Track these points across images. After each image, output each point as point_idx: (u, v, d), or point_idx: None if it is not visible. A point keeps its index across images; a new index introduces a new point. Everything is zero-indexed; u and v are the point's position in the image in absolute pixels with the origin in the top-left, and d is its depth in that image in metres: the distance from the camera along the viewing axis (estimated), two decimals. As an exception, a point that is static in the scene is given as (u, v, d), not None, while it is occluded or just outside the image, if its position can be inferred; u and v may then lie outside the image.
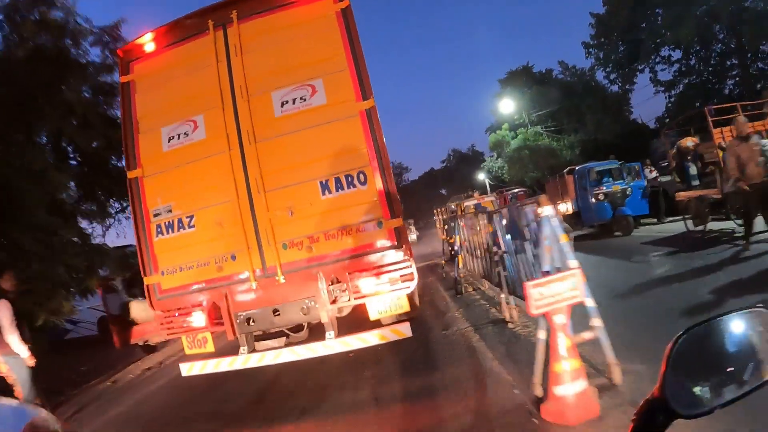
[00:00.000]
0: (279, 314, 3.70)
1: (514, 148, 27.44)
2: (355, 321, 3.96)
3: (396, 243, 3.49)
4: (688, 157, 8.77)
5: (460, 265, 7.53)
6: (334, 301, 3.72)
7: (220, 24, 4.02)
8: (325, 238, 3.56)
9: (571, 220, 11.24)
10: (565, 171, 12.87)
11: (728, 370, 0.61)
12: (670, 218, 10.30)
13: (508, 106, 28.35)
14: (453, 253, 8.52)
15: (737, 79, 21.43)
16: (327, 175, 3.57)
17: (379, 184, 3.49)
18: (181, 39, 4.17)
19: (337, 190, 3.55)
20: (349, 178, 3.55)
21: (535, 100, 28.52)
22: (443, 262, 10.17)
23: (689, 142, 8.82)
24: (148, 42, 4.26)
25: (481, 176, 39.92)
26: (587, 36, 25.07)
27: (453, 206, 14.18)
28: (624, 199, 10.61)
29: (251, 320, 3.78)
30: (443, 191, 49.33)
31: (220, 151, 3.82)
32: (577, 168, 12.38)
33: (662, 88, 23.54)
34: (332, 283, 3.66)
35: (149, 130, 4.16)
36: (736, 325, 0.63)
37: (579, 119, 26.65)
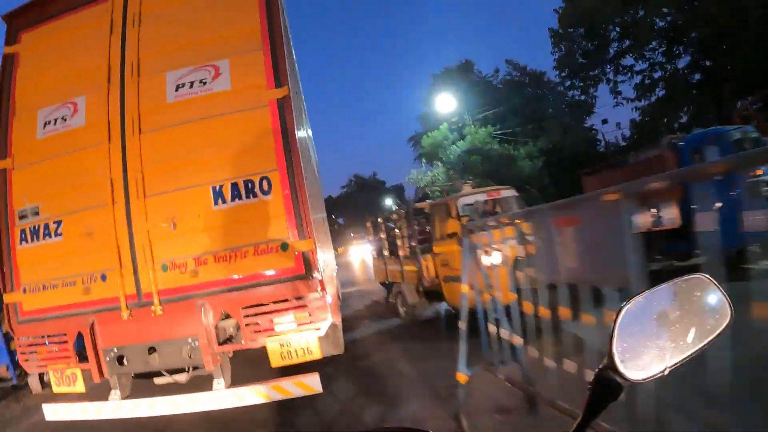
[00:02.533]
0: (156, 354, 2.89)
1: (459, 152, 21.11)
2: (259, 360, 3.15)
3: (304, 271, 2.70)
4: None
5: None
6: (224, 343, 2.92)
7: None
8: (215, 260, 2.76)
9: (669, 239, 6.06)
10: (664, 142, 7.26)
11: (672, 335, 0.62)
12: None
13: (447, 102, 21.35)
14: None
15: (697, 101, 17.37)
16: (222, 179, 2.79)
17: (286, 194, 2.71)
18: (79, 5, 3.40)
19: (233, 200, 2.77)
20: (250, 184, 2.76)
21: (479, 100, 22.02)
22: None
23: None
24: (40, 6, 3.49)
25: (389, 201, 35.82)
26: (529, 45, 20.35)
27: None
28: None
29: (123, 359, 2.96)
30: (341, 221, 42.30)
31: (99, 141, 3.03)
32: (691, 135, 7.17)
33: (624, 100, 19.07)
34: (222, 319, 2.86)
35: (25, 112, 3.37)
36: (677, 292, 0.65)
37: (538, 125, 21.63)
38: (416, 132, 32.22)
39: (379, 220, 7.84)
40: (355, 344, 5.40)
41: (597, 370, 0.59)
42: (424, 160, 23.02)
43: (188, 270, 2.77)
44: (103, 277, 2.96)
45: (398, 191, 43.56)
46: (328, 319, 2.72)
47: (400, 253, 6.40)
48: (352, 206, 42.58)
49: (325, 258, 3.72)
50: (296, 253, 2.69)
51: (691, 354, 0.61)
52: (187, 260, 2.78)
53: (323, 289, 2.70)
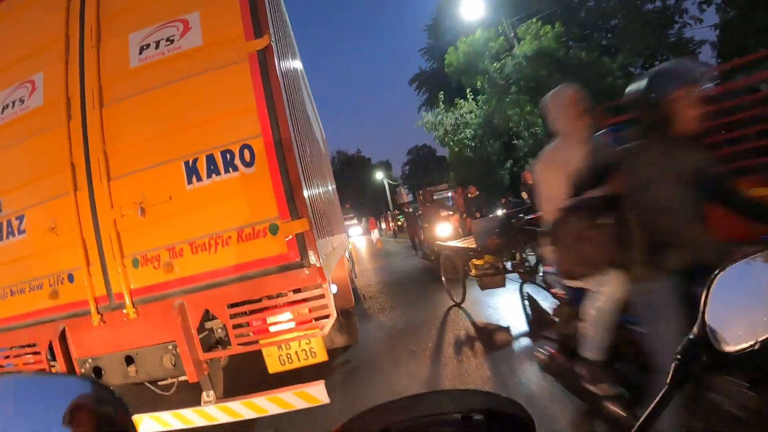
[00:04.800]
0: (134, 364, 2.46)
1: (519, 60, 13.29)
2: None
3: (299, 258, 2.20)
4: None
5: None
6: (213, 347, 2.46)
7: None
8: (192, 250, 2.29)
9: None
10: None
11: (766, 307, 0.57)
12: None
13: (474, 7, 14.12)
14: None
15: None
16: (196, 152, 2.31)
17: (272, 165, 2.22)
18: None
19: (209, 176, 2.29)
20: (228, 155, 2.28)
21: (512, 10, 14.70)
22: None
23: None
24: None
25: (379, 175, 34.90)
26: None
27: None
28: None
29: (101, 371, 2.54)
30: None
31: (58, 121, 2.61)
32: None
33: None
34: (207, 320, 2.40)
35: None
36: None
37: (610, 34, 14.16)
38: (421, 69, 26.90)
39: None
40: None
41: (686, 339, 0.55)
42: (441, 96, 16.17)
43: (162, 264, 2.32)
44: (71, 278, 2.53)
45: (386, 167, 42.67)
46: (331, 316, 2.22)
47: None
48: (337, 185, 42.51)
49: (329, 240, 3.22)
50: (288, 236, 2.20)
51: None
52: (160, 252, 2.32)
53: (323, 278, 2.19)
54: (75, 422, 0.48)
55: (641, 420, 0.51)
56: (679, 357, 0.54)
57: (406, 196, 17.91)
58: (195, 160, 2.30)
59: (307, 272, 2.19)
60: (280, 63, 2.45)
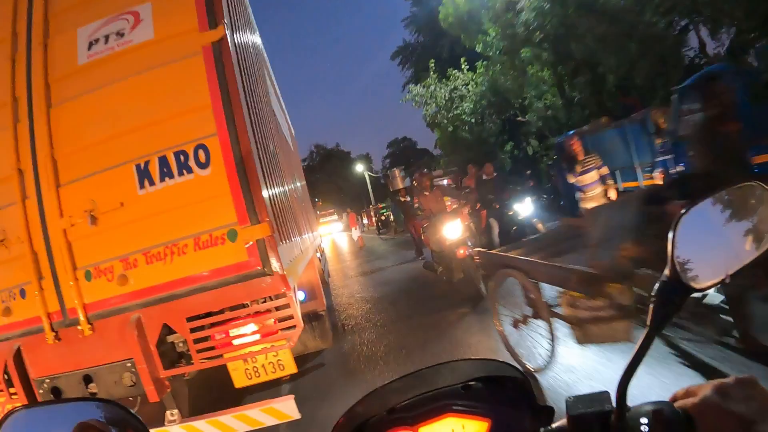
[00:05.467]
0: (93, 383, 2.30)
1: (538, 4, 10.26)
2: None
3: (261, 266, 2.04)
4: None
5: None
6: (176, 362, 2.29)
7: None
8: (147, 260, 2.12)
9: None
10: None
11: (730, 242, 0.61)
12: None
13: None
14: None
15: None
16: (147, 153, 2.14)
17: (229, 166, 2.04)
18: None
19: (162, 179, 2.11)
20: (182, 157, 2.10)
21: None
22: None
23: None
24: None
25: (359, 168, 33.79)
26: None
27: None
28: None
29: (60, 391, 2.38)
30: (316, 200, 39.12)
31: (5, 125, 2.43)
32: None
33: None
34: (168, 334, 2.23)
35: None
36: (732, 200, 0.64)
37: None
38: (405, 41, 25.99)
39: None
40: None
41: (659, 282, 0.56)
42: (432, 65, 13.42)
43: (116, 276, 2.15)
44: (23, 293, 2.36)
45: (366, 160, 41.83)
46: (298, 326, 2.06)
47: None
48: (316, 180, 35.39)
49: (295, 243, 3.05)
50: (248, 242, 2.03)
51: (750, 260, 0.58)
52: (113, 263, 2.15)
53: (288, 286, 2.03)
54: None
55: (627, 364, 0.51)
56: (654, 300, 0.55)
57: (402, 181, 13.18)
58: (147, 163, 2.12)
59: (270, 280, 2.02)
60: (238, 54, 2.28)
